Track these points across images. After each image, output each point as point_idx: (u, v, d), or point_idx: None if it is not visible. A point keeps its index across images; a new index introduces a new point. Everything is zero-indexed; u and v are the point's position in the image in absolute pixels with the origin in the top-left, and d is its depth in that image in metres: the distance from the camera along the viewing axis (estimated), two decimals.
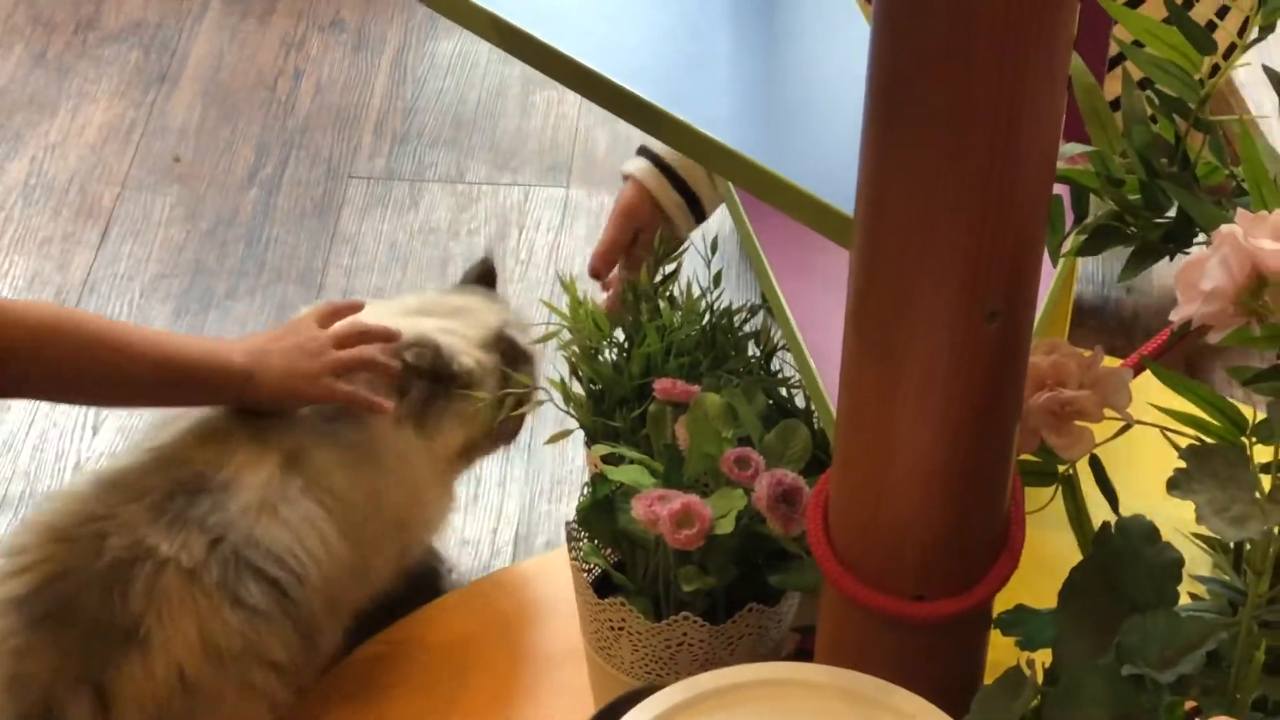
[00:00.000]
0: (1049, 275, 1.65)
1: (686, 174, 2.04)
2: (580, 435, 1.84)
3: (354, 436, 1.85)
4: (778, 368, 1.84)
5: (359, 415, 1.85)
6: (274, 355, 1.84)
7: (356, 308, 1.91)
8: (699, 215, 2.04)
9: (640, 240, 2.04)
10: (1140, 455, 1.46)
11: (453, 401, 1.90)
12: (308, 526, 1.79)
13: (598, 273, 2.02)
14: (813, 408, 1.74)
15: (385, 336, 1.88)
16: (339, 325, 1.88)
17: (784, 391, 1.78)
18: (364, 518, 1.84)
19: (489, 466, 2.12)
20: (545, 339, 1.85)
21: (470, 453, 1.94)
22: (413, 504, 1.90)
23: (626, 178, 2.07)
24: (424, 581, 1.99)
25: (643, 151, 2.08)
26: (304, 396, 1.83)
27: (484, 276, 2.04)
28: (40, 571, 1.73)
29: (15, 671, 1.71)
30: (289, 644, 1.77)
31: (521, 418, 1.95)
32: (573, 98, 2.67)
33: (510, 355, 1.94)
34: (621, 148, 2.54)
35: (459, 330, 1.93)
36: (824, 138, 1.40)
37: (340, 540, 1.81)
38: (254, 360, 1.83)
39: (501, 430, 1.95)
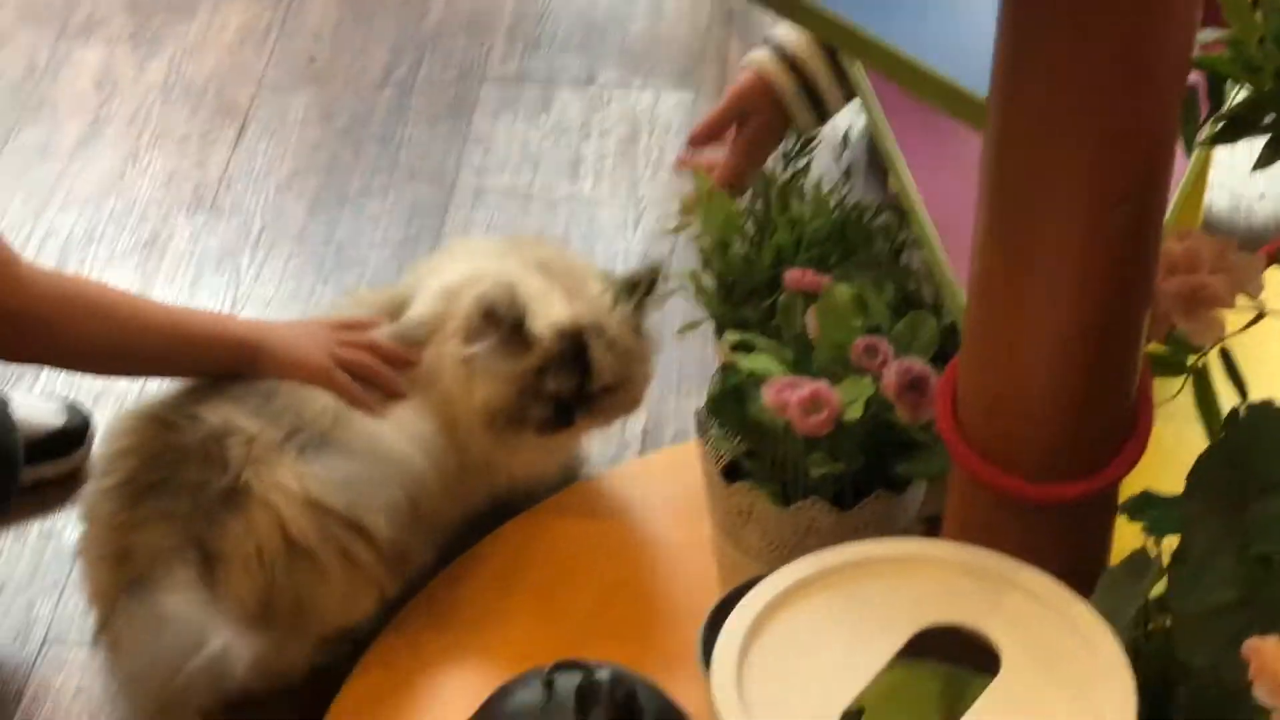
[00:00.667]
0: (1183, 166, 1.66)
1: (809, 66, 2.03)
2: (709, 331, 1.86)
3: (411, 372, 1.89)
4: (905, 262, 1.84)
5: (413, 353, 1.89)
6: (279, 333, 1.89)
7: (372, 325, 1.93)
8: (820, 111, 2.02)
9: (748, 125, 2.02)
10: (1270, 351, 1.46)
11: (498, 357, 1.87)
12: (381, 434, 1.84)
13: (695, 141, 2.01)
14: (941, 301, 1.76)
15: (392, 356, 1.90)
16: (352, 334, 1.91)
17: (912, 285, 1.80)
18: (438, 445, 1.87)
19: None
20: (678, 230, 1.86)
21: (494, 419, 1.88)
22: (475, 446, 1.90)
23: (744, 68, 2.06)
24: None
25: (765, 42, 2.06)
26: (304, 371, 1.85)
27: (647, 277, 1.93)
28: (141, 453, 1.80)
29: (123, 544, 1.77)
30: (387, 512, 1.80)
31: (549, 422, 1.89)
32: (704, 1, 2.68)
33: (569, 355, 1.88)
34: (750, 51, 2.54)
35: (556, 303, 1.90)
36: (958, 21, 1.41)
37: (420, 457, 1.85)
38: (258, 334, 1.88)
39: (528, 418, 1.88)
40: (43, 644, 1.89)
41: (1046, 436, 1.37)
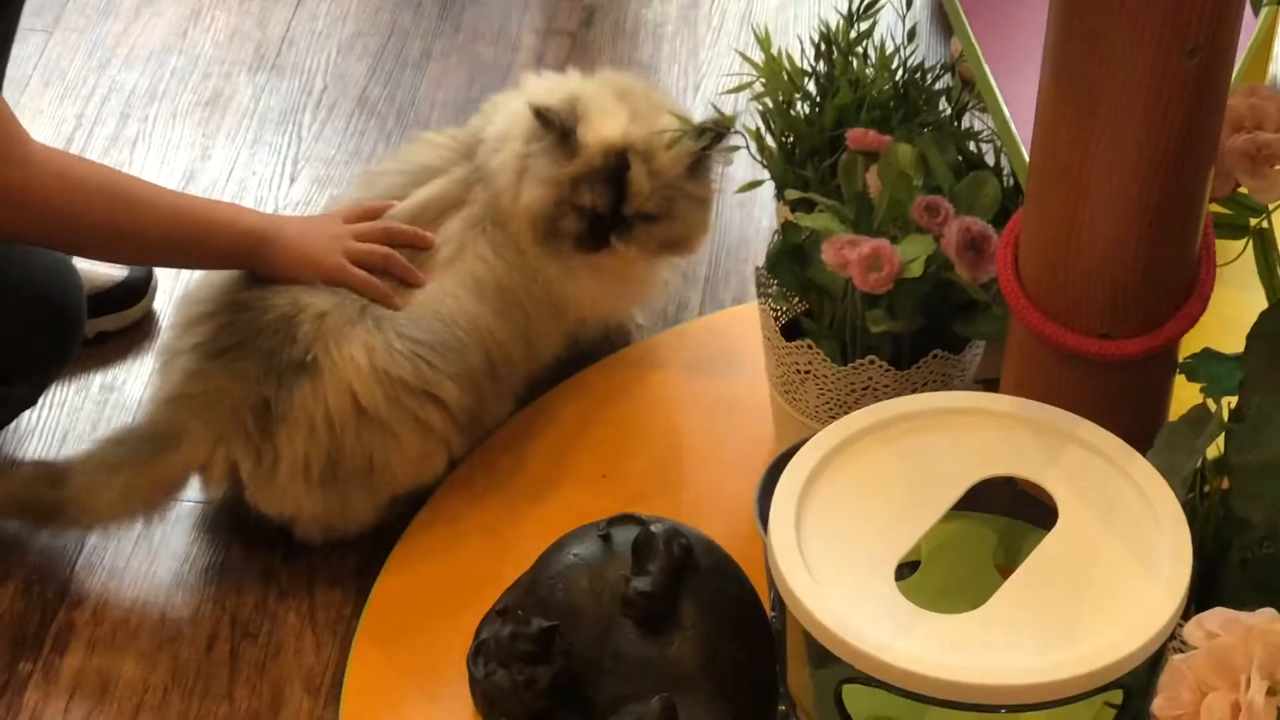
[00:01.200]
0: (1251, 27, 1.65)
1: None
2: (768, 196, 1.86)
3: (473, 211, 1.89)
4: (968, 125, 1.84)
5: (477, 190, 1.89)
6: (290, 225, 1.88)
7: (382, 210, 1.91)
8: None
9: None
10: None
11: (546, 160, 1.87)
12: (452, 300, 1.84)
13: None
14: (1002, 162, 1.75)
15: (409, 239, 1.88)
16: (365, 224, 1.89)
17: (974, 148, 1.79)
18: (510, 288, 1.88)
19: None
20: (739, 90, 1.85)
21: (534, 223, 1.87)
22: (530, 264, 1.89)
23: None
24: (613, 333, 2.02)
25: None
26: (317, 270, 1.84)
27: (717, 126, 1.87)
28: (215, 321, 1.82)
29: (187, 391, 1.79)
30: (458, 380, 1.81)
31: (584, 238, 1.87)
32: None
33: (610, 171, 1.86)
34: None
35: (614, 122, 1.88)
36: None
37: (492, 314, 1.85)
38: (266, 225, 1.86)
39: (563, 230, 1.87)
40: None
41: (1108, 292, 1.37)
